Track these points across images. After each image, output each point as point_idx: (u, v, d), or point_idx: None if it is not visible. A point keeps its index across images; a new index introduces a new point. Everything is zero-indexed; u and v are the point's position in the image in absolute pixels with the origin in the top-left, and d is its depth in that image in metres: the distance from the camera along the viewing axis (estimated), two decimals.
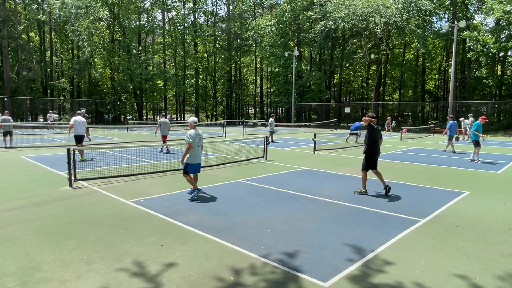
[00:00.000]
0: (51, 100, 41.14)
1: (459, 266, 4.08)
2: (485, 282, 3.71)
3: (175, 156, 12.88)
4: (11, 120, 16.45)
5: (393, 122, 37.61)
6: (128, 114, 47.43)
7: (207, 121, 50.78)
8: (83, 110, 19.73)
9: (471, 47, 33.50)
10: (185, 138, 6.97)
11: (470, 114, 22.40)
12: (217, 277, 3.77)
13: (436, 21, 43.79)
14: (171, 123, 18.55)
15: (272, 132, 19.93)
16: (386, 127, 28.75)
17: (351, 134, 19.60)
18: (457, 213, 6.12)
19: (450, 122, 15.30)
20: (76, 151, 8.95)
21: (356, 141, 19.76)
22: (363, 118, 7.39)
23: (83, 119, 11.90)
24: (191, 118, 7.10)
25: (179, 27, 46.71)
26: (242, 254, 4.35)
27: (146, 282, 3.65)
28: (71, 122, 11.70)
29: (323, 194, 7.43)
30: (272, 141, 19.60)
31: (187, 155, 6.92)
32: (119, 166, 10.69)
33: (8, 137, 15.80)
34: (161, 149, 14.56)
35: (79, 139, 11.78)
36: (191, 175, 7.08)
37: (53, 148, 15.42)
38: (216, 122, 45.85)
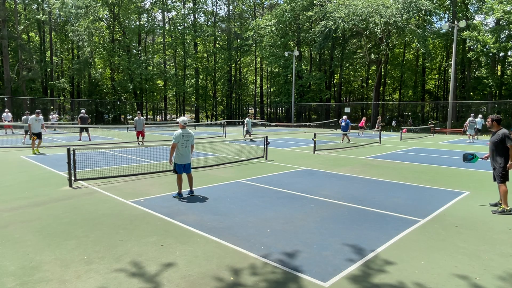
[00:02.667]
0: (51, 100, 41.13)
1: (459, 266, 4.08)
2: (485, 282, 3.71)
3: None
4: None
5: (393, 122, 37.64)
6: (128, 114, 47.46)
7: (207, 121, 50.77)
8: (83, 111, 19.87)
9: (471, 47, 33.50)
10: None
11: (472, 114, 22.39)
12: (217, 277, 3.77)
13: (436, 21, 43.82)
14: (170, 123, 19.46)
15: (248, 132, 20.63)
16: (376, 126, 28.55)
17: (345, 134, 19.58)
18: (457, 213, 6.12)
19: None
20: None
21: (347, 140, 19.62)
22: (488, 121, 6.31)
23: (40, 117, 14.00)
24: (180, 118, 7.02)
25: (179, 27, 46.70)
26: (242, 254, 4.35)
27: (146, 282, 3.65)
28: (29, 122, 13.75)
29: (323, 194, 7.43)
30: (251, 139, 19.80)
31: (174, 155, 6.94)
32: (119, 166, 10.69)
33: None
34: (139, 143, 16.71)
35: (36, 135, 13.75)
36: (181, 175, 7.03)
37: (53, 148, 15.42)
38: (216, 122, 45.84)
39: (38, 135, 13.85)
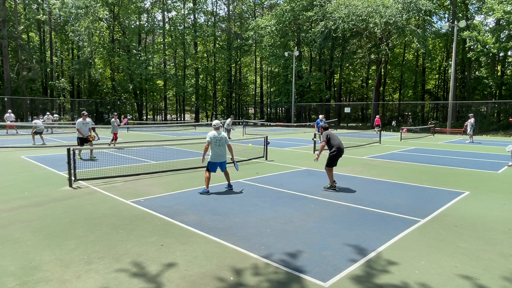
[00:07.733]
0: (51, 100, 41.12)
1: (459, 266, 4.08)
2: (485, 282, 3.71)
3: (175, 156, 12.89)
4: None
5: (393, 122, 37.67)
6: (128, 114, 47.48)
7: (207, 121, 50.78)
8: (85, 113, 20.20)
9: (471, 47, 33.48)
10: None
11: (471, 114, 22.40)
12: (217, 277, 3.77)
13: (436, 21, 43.77)
14: (170, 123, 19.20)
15: (228, 131, 21.14)
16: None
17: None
18: (457, 213, 6.12)
19: None
20: (76, 151, 9.53)
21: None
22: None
23: (87, 120, 12.18)
24: (213, 122, 7.68)
25: (179, 27, 46.68)
26: (242, 254, 4.35)
27: (146, 282, 3.65)
28: (77, 126, 11.99)
29: (323, 194, 7.43)
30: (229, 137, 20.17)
31: (208, 154, 7.52)
32: (119, 166, 10.69)
33: (37, 136, 16.93)
34: (110, 144, 15.67)
35: (85, 140, 12.14)
36: (210, 173, 7.51)
37: (53, 148, 15.42)
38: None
39: (86, 140, 12.11)
